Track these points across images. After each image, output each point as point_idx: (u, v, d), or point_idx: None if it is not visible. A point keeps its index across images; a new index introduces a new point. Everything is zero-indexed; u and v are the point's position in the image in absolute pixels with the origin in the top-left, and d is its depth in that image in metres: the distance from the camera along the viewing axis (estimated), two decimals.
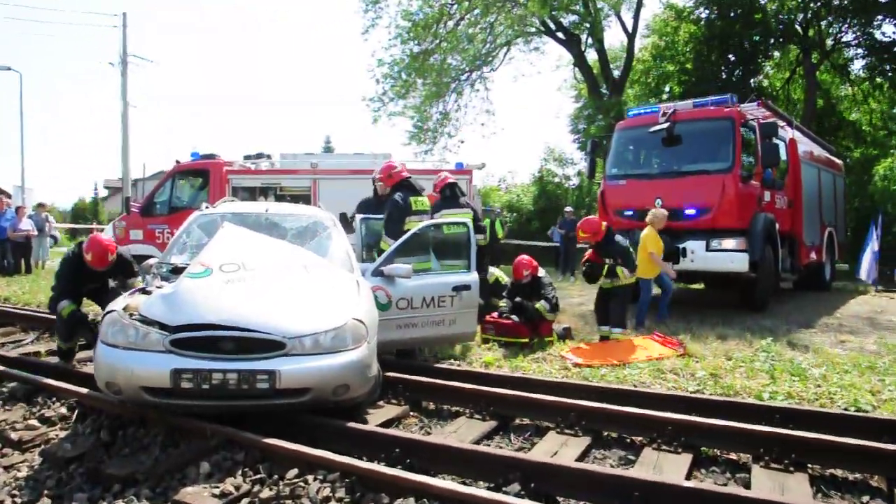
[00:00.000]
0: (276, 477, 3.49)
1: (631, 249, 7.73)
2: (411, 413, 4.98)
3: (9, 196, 15.92)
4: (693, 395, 5.22)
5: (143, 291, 4.66)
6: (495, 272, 8.82)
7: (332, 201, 8.13)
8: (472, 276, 6.27)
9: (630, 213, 10.35)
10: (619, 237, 7.83)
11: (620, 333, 7.65)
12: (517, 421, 4.77)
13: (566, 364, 6.52)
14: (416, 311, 5.86)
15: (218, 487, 3.40)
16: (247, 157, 12.32)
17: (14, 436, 4.29)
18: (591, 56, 24.25)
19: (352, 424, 4.06)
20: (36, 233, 14.12)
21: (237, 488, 3.40)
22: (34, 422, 4.52)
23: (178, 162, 11.68)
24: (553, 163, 26.07)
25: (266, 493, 3.33)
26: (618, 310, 7.67)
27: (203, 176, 11.59)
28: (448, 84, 22.57)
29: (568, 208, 17.98)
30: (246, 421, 4.10)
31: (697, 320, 9.11)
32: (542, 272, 8.04)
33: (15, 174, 35.65)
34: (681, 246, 9.54)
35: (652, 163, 10.65)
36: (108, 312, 4.24)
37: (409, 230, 6.23)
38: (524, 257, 8.03)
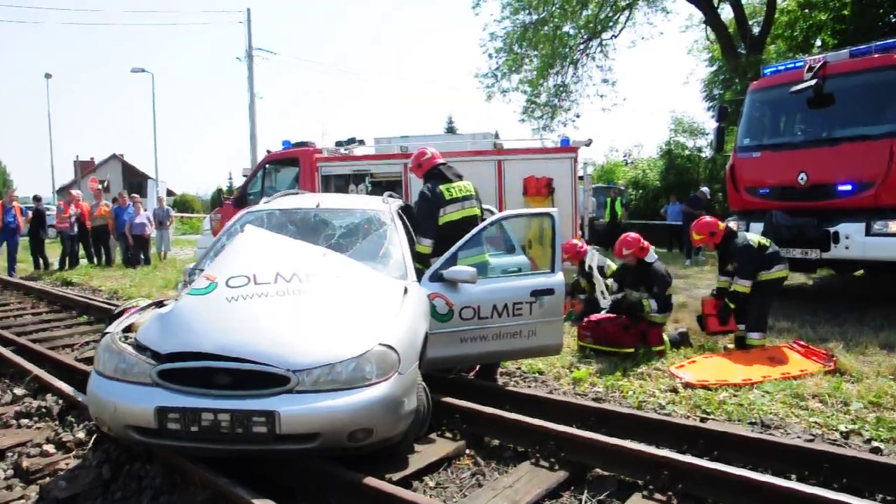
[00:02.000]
0: None
1: (752, 251, 6.29)
2: (467, 451, 4.07)
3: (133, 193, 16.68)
4: (849, 453, 3.88)
5: (159, 305, 4.10)
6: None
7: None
8: (557, 279, 5.19)
9: (766, 191, 8.70)
10: (739, 237, 6.43)
11: (758, 339, 6.25)
12: (595, 471, 3.72)
13: (675, 383, 5.31)
14: (484, 321, 4.89)
15: None
16: (338, 143, 11.86)
17: (25, 463, 3.89)
18: (727, 14, 21.57)
19: (368, 481, 3.22)
20: (150, 230, 14.66)
21: None
22: (50, 447, 4.12)
23: (269, 152, 11.47)
24: (682, 134, 23.65)
25: None
26: (757, 307, 6.29)
27: (294, 164, 11.29)
28: (563, 54, 21.06)
29: (704, 188, 16.01)
30: (251, 464, 3.42)
31: (853, 321, 7.41)
32: (653, 257, 6.81)
33: (149, 167, 38.57)
34: (831, 230, 7.80)
35: (794, 129, 8.87)
36: (105, 334, 3.70)
37: (450, 222, 5.29)
38: (630, 235, 6.87)
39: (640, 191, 23.69)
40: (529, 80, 21.03)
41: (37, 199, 14.49)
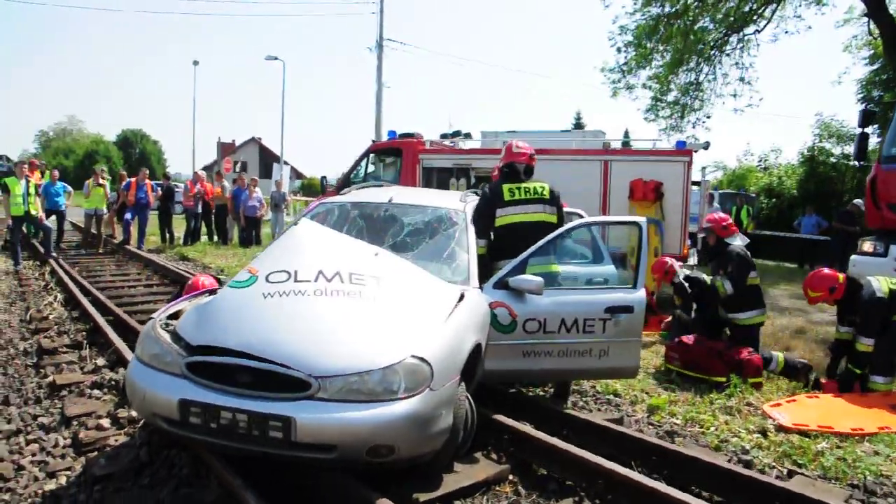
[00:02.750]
0: None
1: (881, 304, 5.38)
2: (510, 477, 3.73)
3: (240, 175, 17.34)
4: None
5: (212, 293, 4.10)
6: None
7: None
8: (637, 296, 4.67)
9: None
10: (865, 288, 5.51)
11: (884, 383, 5.38)
12: None
13: (768, 423, 4.63)
14: (550, 335, 4.49)
15: None
16: (443, 136, 11.71)
17: (82, 434, 4.06)
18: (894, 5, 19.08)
19: (382, 502, 2.98)
20: (263, 211, 15.29)
21: None
22: (106, 422, 4.26)
23: (373, 141, 11.53)
24: (829, 140, 21.36)
25: None
26: (886, 346, 5.39)
27: (397, 155, 11.27)
28: (697, 50, 19.61)
29: (857, 201, 14.06)
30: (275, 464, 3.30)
31: None
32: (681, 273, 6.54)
33: (276, 150, 40.58)
34: None
35: None
36: (149, 319, 3.72)
37: (507, 224, 4.90)
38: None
39: (774, 199, 21.72)
40: (657, 75, 19.76)
41: (166, 177, 15.64)
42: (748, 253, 6.22)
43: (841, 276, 5.63)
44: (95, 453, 3.85)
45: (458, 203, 5.07)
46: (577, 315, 4.53)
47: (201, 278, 5.11)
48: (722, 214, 6.17)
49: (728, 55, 19.60)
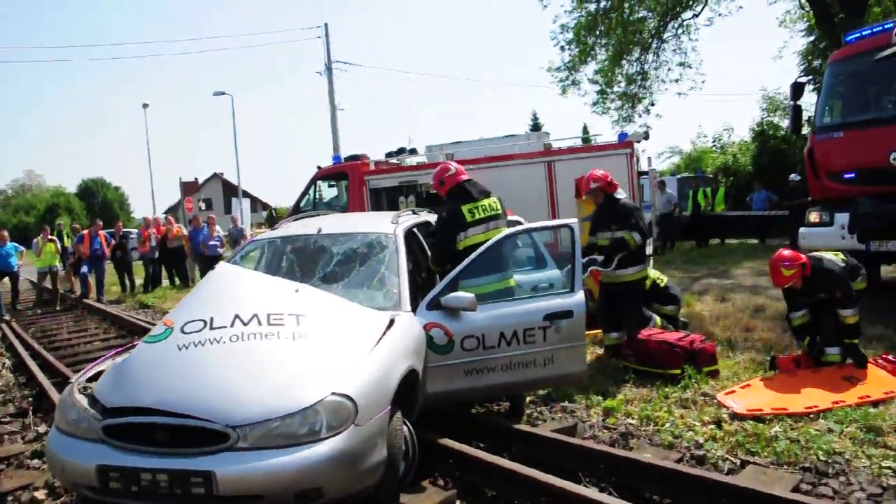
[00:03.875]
0: None
1: (845, 272, 5.47)
2: (458, 502, 3.66)
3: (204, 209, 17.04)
4: None
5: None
6: (651, 273, 6.89)
7: None
8: (575, 299, 4.65)
9: (851, 175, 7.63)
10: (824, 262, 5.46)
11: (837, 354, 5.38)
12: None
13: (723, 413, 4.62)
14: (490, 351, 4.44)
15: None
16: (389, 154, 11.68)
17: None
18: None
19: None
20: (223, 250, 15.06)
21: None
22: (42, 493, 4.08)
23: (319, 168, 11.46)
24: (776, 113, 21.77)
25: None
26: (835, 319, 5.39)
27: (343, 178, 11.22)
28: (637, 40, 19.92)
29: (793, 175, 14.33)
30: None
31: None
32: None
33: (247, 184, 40.25)
34: None
35: (883, 104, 7.72)
36: (70, 383, 3.60)
37: (473, 245, 4.84)
38: (783, 254, 5.52)
39: (731, 178, 22.04)
40: (601, 69, 20.03)
41: (117, 226, 15.41)
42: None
43: (804, 256, 5.48)
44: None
45: (389, 226, 5.00)
46: (515, 327, 4.49)
47: None
48: (603, 172, 6.20)
49: (667, 42, 19.91)
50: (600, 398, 5.17)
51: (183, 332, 3.50)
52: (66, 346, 9.24)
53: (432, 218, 5.95)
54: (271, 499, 2.94)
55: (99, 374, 3.69)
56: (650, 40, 20.43)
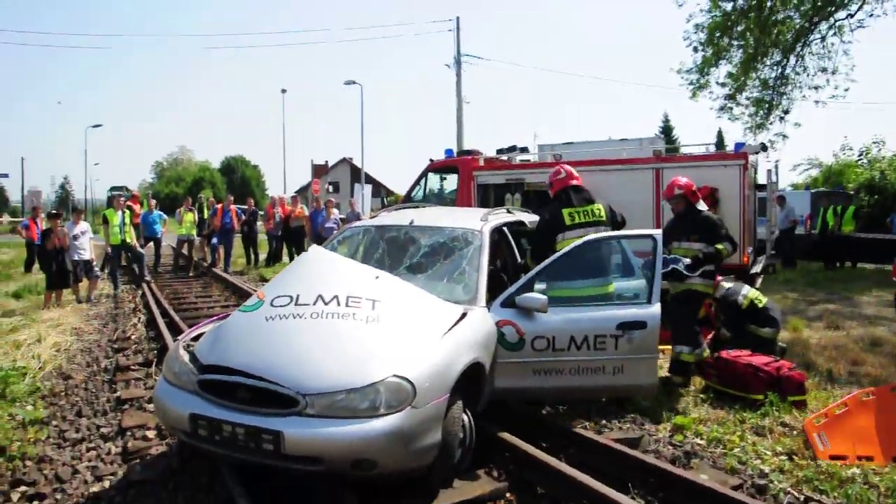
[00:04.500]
0: None
1: None
2: (508, 495, 3.83)
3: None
4: None
5: None
6: (750, 293, 6.61)
7: None
8: (651, 311, 4.65)
9: None
10: None
11: None
12: None
13: (798, 446, 4.42)
14: (559, 353, 4.55)
15: None
16: (499, 151, 11.83)
17: (130, 445, 4.54)
18: None
19: None
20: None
21: None
22: (152, 433, 4.74)
23: (431, 161, 11.83)
24: None
25: None
26: None
27: (453, 172, 11.52)
28: (778, 42, 18.65)
29: None
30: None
31: None
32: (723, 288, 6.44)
33: (376, 170, 41.92)
34: None
35: None
36: (177, 340, 4.14)
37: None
38: None
39: (876, 196, 20.10)
40: (732, 73, 18.97)
41: (249, 203, 16.73)
42: None
43: None
44: (138, 461, 4.30)
45: (477, 223, 5.21)
46: (587, 332, 4.57)
47: None
48: (687, 180, 5.91)
49: (810, 45, 18.48)
50: (672, 413, 5.11)
51: (272, 305, 3.92)
52: (191, 309, 10.29)
53: (527, 217, 6.11)
54: (329, 464, 3.27)
55: (201, 334, 4.20)
56: (794, 43, 19.07)
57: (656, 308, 4.66)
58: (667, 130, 63.69)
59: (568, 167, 5.86)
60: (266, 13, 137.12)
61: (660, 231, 4.99)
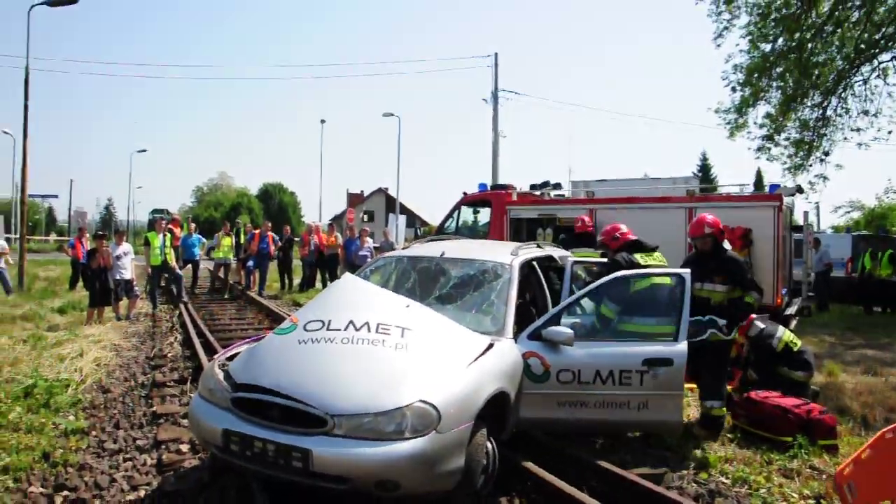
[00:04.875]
0: None
1: None
2: None
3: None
4: None
5: None
6: (785, 335, 6.54)
7: None
8: (677, 348, 4.68)
9: None
10: None
11: None
12: None
13: (826, 489, 4.36)
14: (584, 386, 4.59)
15: None
16: (533, 186, 11.98)
17: (165, 457, 4.71)
18: None
19: None
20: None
21: None
22: (185, 447, 4.91)
23: (465, 194, 12.03)
24: None
25: None
26: None
27: (486, 206, 11.69)
28: (817, 83, 18.54)
29: None
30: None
31: None
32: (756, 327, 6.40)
33: (411, 200, 42.38)
34: None
35: None
36: (213, 359, 4.31)
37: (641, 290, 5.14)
38: None
39: None
40: (769, 114, 18.88)
41: (286, 230, 17.15)
42: None
43: None
44: (171, 473, 4.46)
45: (508, 257, 5.32)
46: (612, 367, 4.61)
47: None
48: (714, 218, 5.73)
49: (853, 87, 18.31)
50: (698, 452, 5.08)
51: (305, 329, 4.08)
52: (225, 330, 10.55)
53: (557, 252, 6.23)
54: (354, 483, 3.37)
55: (236, 354, 4.37)
56: (835, 85, 18.92)
57: (683, 346, 4.69)
58: (705, 169, 63.12)
59: (625, 226, 6.25)
60: (307, 46, 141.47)
61: (688, 270, 5.02)
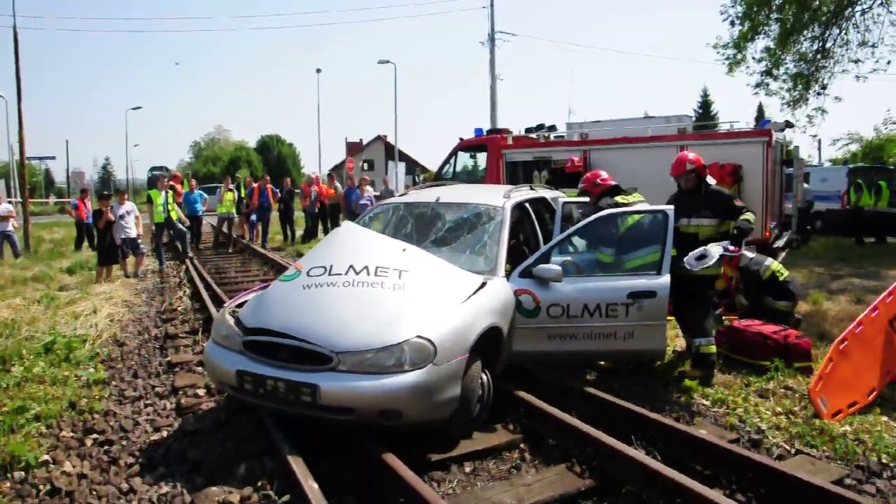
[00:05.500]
0: (280, 497, 3.36)
1: None
2: (522, 445, 4.22)
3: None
4: None
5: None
6: (771, 264, 6.81)
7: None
8: (660, 281, 4.94)
9: None
10: None
11: None
12: (629, 487, 3.61)
13: (796, 408, 4.68)
14: (573, 320, 4.87)
15: (230, 492, 3.47)
16: (528, 129, 12.07)
17: (183, 402, 5.05)
18: None
19: (387, 457, 3.57)
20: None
21: (243, 499, 3.40)
22: (202, 391, 5.24)
23: (461, 139, 12.12)
24: None
25: None
26: None
27: (482, 150, 11.81)
28: (815, 17, 18.27)
29: None
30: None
31: None
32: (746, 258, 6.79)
33: (410, 147, 42.11)
34: None
35: None
36: (223, 308, 4.59)
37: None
38: None
39: None
40: (768, 48, 18.68)
41: (285, 182, 17.30)
42: None
43: None
44: (190, 415, 4.80)
45: (499, 199, 5.53)
46: (599, 300, 4.88)
47: None
48: (696, 155, 5.82)
49: (854, 17, 18.03)
50: (681, 377, 5.41)
51: (308, 275, 4.34)
52: (232, 282, 10.87)
53: (549, 194, 6.44)
54: (359, 414, 3.69)
55: (244, 302, 4.65)
56: (834, 16, 18.62)
57: (666, 279, 4.94)
58: (706, 105, 62.24)
59: (605, 173, 6.30)
60: None
61: (671, 207, 5.22)
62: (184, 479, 3.75)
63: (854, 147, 27.20)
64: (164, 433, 4.53)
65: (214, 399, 5.06)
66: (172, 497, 3.55)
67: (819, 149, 41.89)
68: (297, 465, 3.43)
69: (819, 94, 18.86)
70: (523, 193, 6.02)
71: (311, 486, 3.22)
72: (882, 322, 5.07)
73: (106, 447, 4.29)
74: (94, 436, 4.47)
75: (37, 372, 5.65)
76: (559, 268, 4.79)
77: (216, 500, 3.41)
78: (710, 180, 5.78)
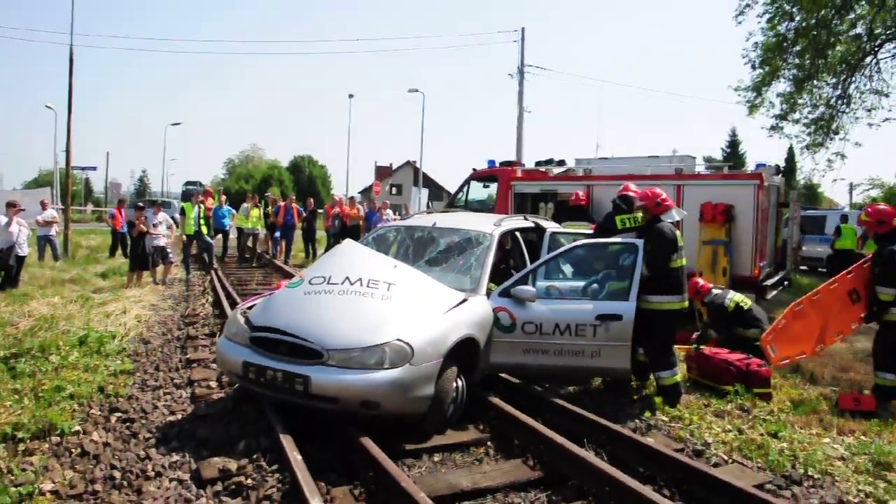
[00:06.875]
0: (270, 466, 3.96)
1: None
2: (489, 442, 4.76)
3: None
4: None
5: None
6: (735, 297, 7.33)
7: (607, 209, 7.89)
8: (627, 305, 5.48)
9: None
10: None
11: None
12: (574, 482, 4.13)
13: (745, 427, 5.16)
14: (545, 337, 5.43)
15: (229, 461, 4.08)
16: (538, 163, 12.68)
17: (197, 392, 5.70)
18: None
19: (363, 440, 4.16)
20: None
21: (239, 468, 4.00)
22: (214, 383, 5.90)
23: (474, 170, 12.77)
24: None
25: (250, 481, 3.84)
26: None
27: (493, 181, 12.42)
28: (830, 64, 18.70)
29: None
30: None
31: None
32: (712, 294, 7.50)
33: (438, 173, 42.91)
34: None
35: None
36: (236, 308, 5.26)
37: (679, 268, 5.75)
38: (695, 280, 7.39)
39: None
40: (784, 93, 19.12)
41: (309, 202, 18.17)
42: (676, 232, 5.81)
43: None
44: (202, 402, 5.44)
45: (490, 227, 6.15)
46: (569, 321, 5.44)
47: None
48: (659, 190, 5.97)
49: (866, 69, 18.43)
50: (646, 396, 5.90)
51: (310, 283, 5.00)
52: (252, 293, 11.55)
53: (545, 223, 7.01)
54: (343, 403, 4.29)
55: (254, 304, 5.31)
56: (855, 66, 18.98)
57: (632, 304, 5.48)
58: (734, 145, 62.24)
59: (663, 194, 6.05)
60: (336, 20, 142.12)
61: (642, 241, 5.76)
62: (192, 451, 4.37)
63: (875, 192, 27.30)
64: (179, 416, 5.17)
65: (225, 391, 5.70)
66: (181, 464, 4.18)
67: (850, 192, 41.71)
68: (287, 442, 4.04)
69: (832, 138, 19.20)
70: (515, 222, 6.63)
71: (295, 458, 3.82)
72: (841, 292, 6.07)
73: (128, 424, 4.94)
74: (119, 414, 5.14)
75: (72, 360, 6.36)
76: (534, 289, 5.38)
77: (217, 467, 4.02)
78: (672, 216, 5.94)
